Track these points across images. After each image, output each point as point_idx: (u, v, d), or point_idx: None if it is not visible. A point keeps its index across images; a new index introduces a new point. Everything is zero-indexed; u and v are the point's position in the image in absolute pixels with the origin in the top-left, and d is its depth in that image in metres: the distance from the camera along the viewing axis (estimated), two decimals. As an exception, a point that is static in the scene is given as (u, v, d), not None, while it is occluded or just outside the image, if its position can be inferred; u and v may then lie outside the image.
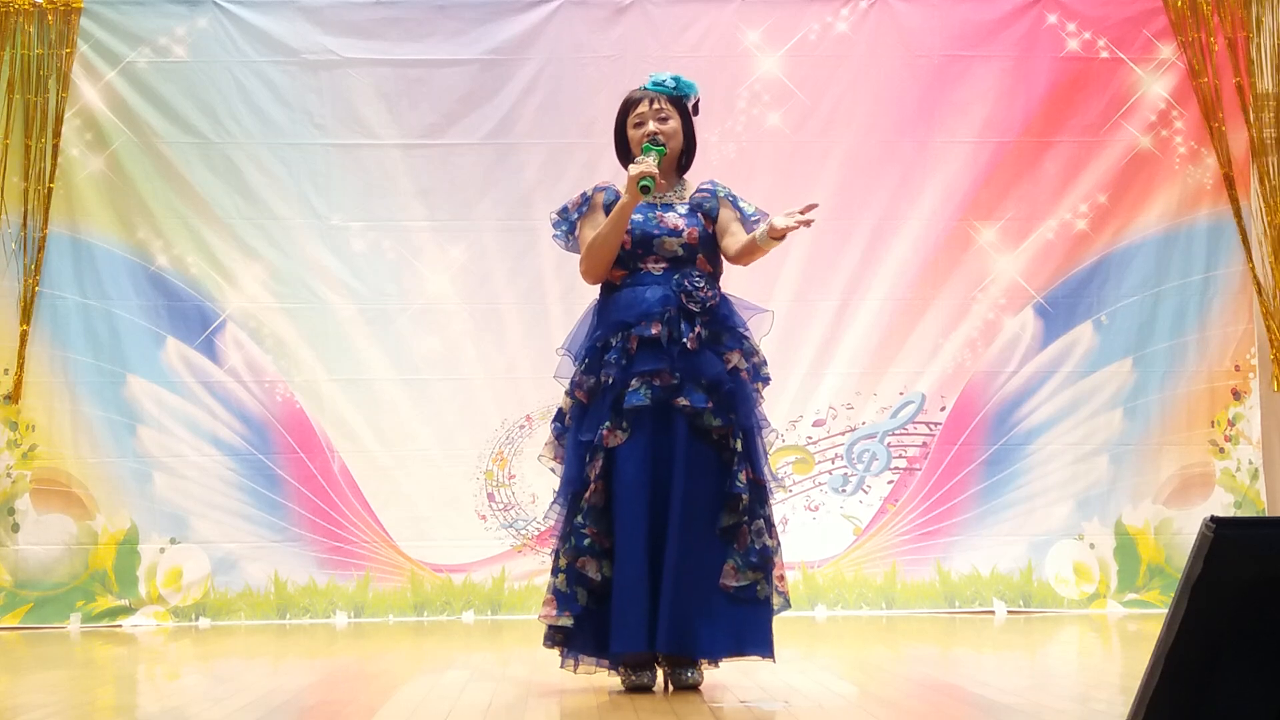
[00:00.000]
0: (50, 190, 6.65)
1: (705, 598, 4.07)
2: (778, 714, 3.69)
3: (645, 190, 4.09)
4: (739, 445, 4.14)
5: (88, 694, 4.52)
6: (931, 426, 6.84)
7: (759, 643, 4.13)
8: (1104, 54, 6.88)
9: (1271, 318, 6.76)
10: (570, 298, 6.70)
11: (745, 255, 4.26)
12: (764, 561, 4.13)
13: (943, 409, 6.84)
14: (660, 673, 4.19)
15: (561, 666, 4.21)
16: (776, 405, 6.80)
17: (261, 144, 6.77)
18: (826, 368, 6.83)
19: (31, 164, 6.65)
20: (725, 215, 4.31)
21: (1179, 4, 6.83)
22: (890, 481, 6.83)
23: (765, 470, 4.21)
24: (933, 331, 6.86)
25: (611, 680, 4.27)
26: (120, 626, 6.56)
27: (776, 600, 4.17)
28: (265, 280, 6.77)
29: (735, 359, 4.19)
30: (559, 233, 4.40)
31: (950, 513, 6.80)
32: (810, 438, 6.83)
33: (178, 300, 6.73)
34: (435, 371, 6.78)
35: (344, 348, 6.77)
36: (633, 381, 4.10)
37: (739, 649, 4.14)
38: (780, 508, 6.79)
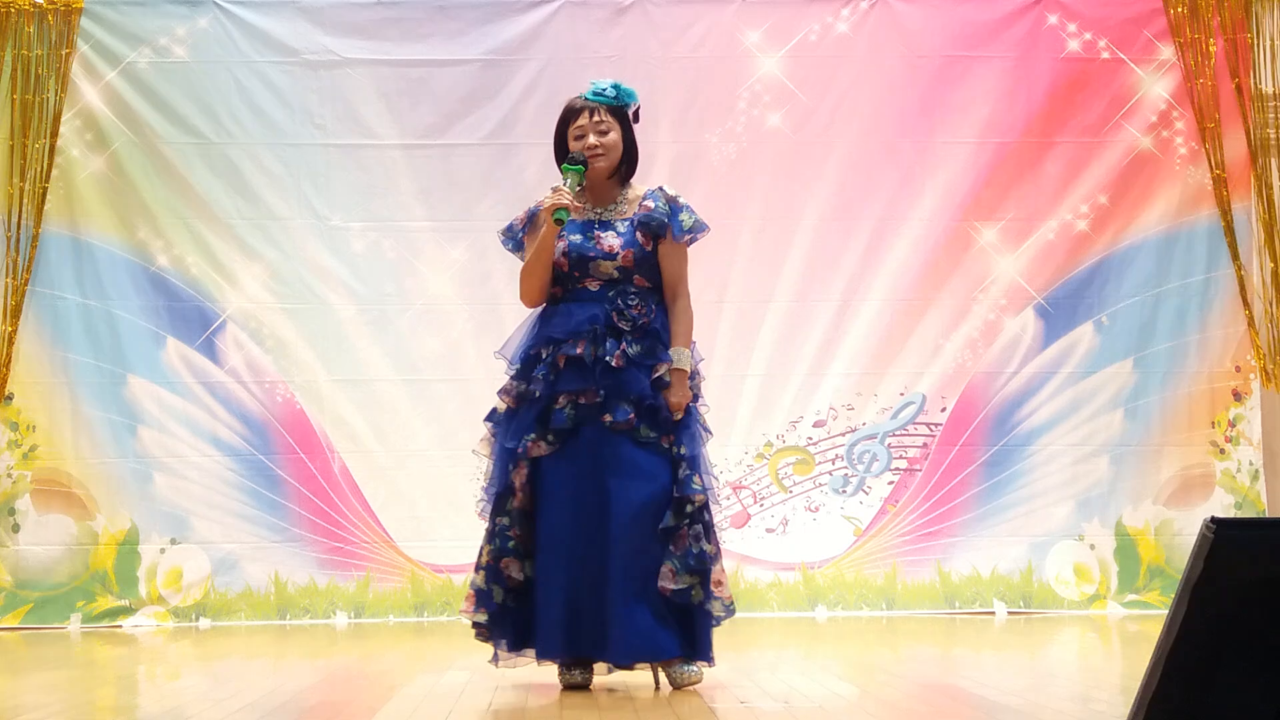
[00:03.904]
0: (45, 190, 6.65)
1: (651, 601, 4.09)
2: (778, 714, 3.69)
3: (559, 223, 4.14)
4: (685, 450, 4.17)
5: (88, 694, 4.52)
6: (932, 427, 6.84)
7: (702, 648, 4.15)
8: (1105, 55, 6.88)
9: (1255, 326, 6.76)
10: (570, 298, 6.70)
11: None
12: (701, 566, 4.14)
13: (943, 410, 6.84)
14: (658, 672, 4.20)
15: (491, 659, 4.27)
16: (777, 406, 6.81)
17: (261, 144, 6.77)
18: (827, 368, 6.83)
19: (29, 164, 6.65)
20: (665, 247, 4.27)
21: (1178, 6, 6.82)
22: (891, 482, 6.82)
23: (706, 478, 4.22)
24: (933, 332, 6.86)
25: (610, 680, 4.28)
26: (120, 627, 6.55)
27: (716, 607, 4.17)
28: (265, 280, 6.77)
29: (663, 370, 4.19)
30: (507, 248, 4.44)
31: (950, 514, 6.79)
32: (810, 438, 6.83)
33: (178, 300, 6.73)
34: (435, 371, 6.78)
35: (344, 348, 6.77)
36: (559, 399, 4.17)
37: (687, 652, 4.14)
38: (780, 508, 6.79)
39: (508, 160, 6.83)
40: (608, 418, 4.14)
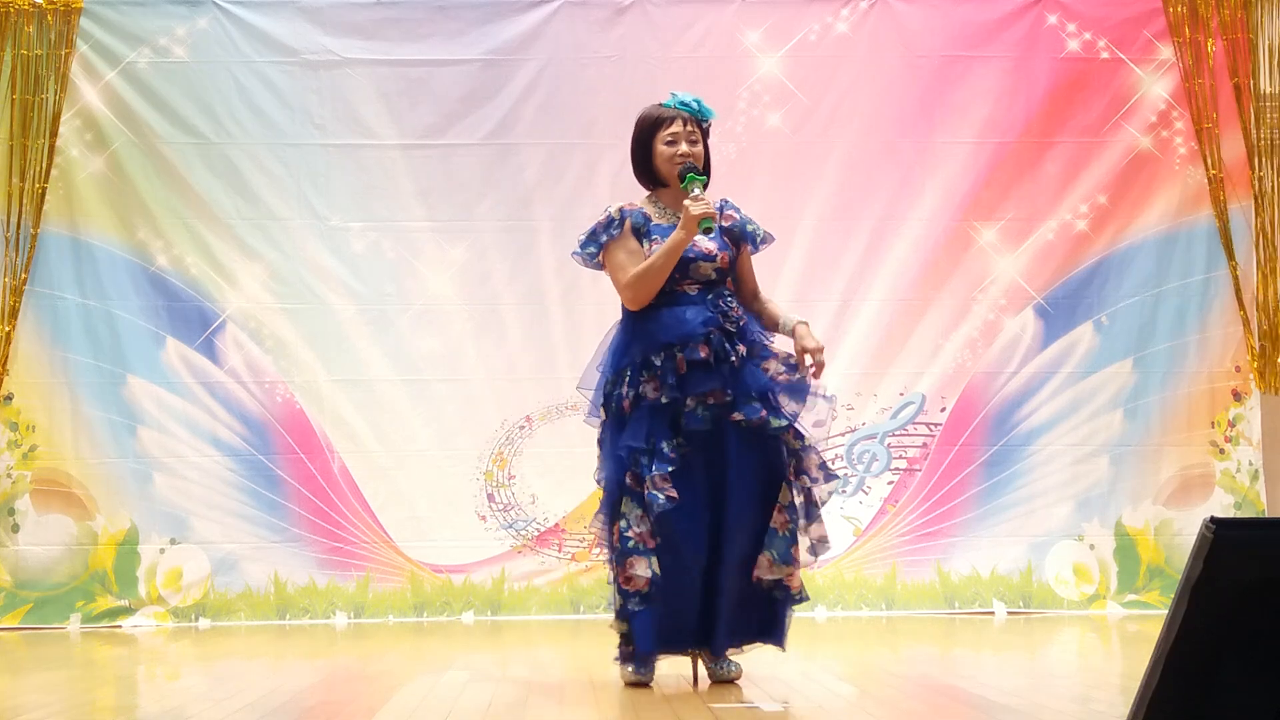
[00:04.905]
0: (44, 190, 6.65)
1: (743, 591, 4.21)
2: (778, 714, 3.69)
3: (707, 231, 4.22)
4: (799, 444, 4.27)
5: (88, 694, 4.53)
6: (931, 427, 6.84)
7: (778, 633, 4.30)
8: (1104, 55, 6.88)
9: (1249, 325, 6.76)
10: (570, 298, 6.70)
11: (758, 317, 4.42)
12: (793, 559, 4.26)
13: (943, 410, 6.84)
14: (696, 666, 4.28)
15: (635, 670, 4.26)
16: (776, 406, 6.81)
17: (261, 144, 6.77)
18: (826, 368, 6.79)
19: (28, 164, 6.65)
20: (744, 256, 4.44)
21: (1178, 6, 6.82)
22: (890, 482, 6.82)
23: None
24: (933, 332, 6.86)
25: (614, 677, 4.28)
26: (120, 627, 6.55)
27: (785, 595, 4.30)
28: (265, 280, 6.77)
29: (772, 366, 4.31)
30: (584, 252, 4.41)
31: (950, 514, 6.80)
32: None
33: (178, 300, 6.73)
34: (435, 372, 6.78)
35: (344, 348, 6.77)
36: (688, 402, 4.20)
37: (758, 637, 4.30)
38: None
39: (507, 160, 6.83)
40: (738, 416, 4.20)
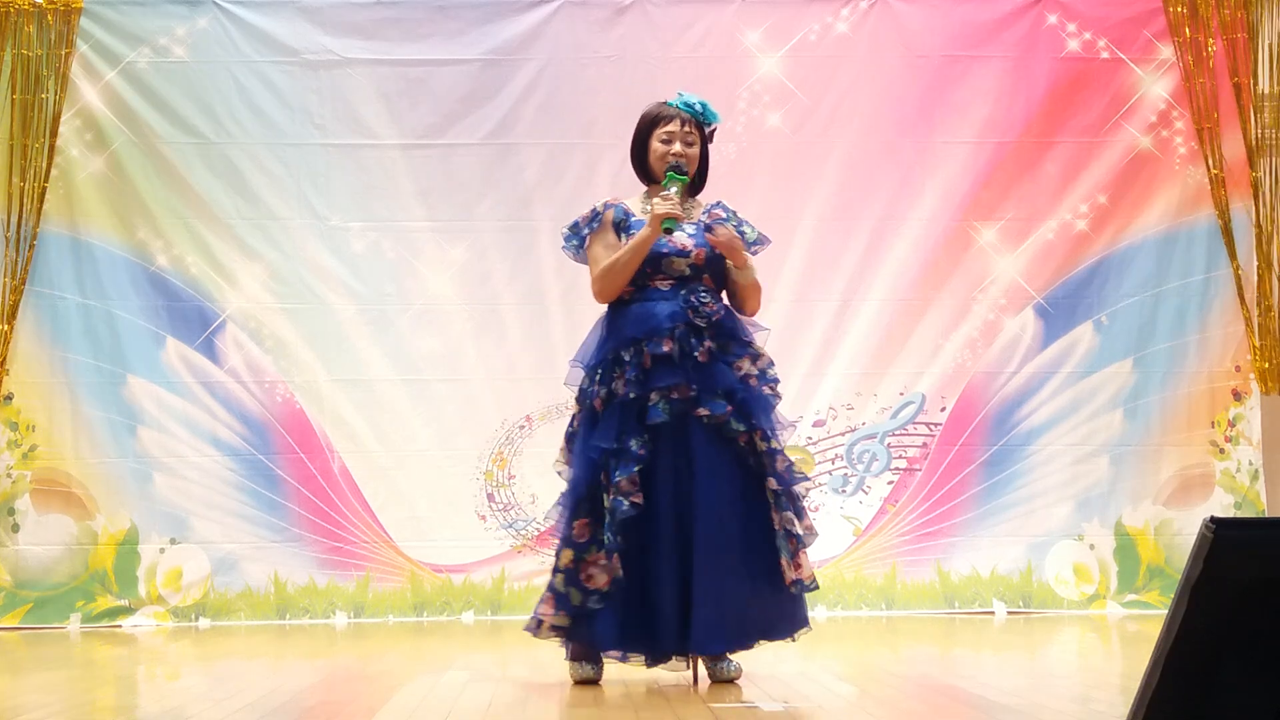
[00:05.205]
0: (44, 190, 6.65)
1: (736, 591, 4.17)
2: (778, 714, 3.69)
3: (668, 231, 4.22)
4: (765, 446, 4.23)
5: (88, 694, 4.53)
6: (931, 427, 6.84)
7: (799, 622, 4.30)
8: (1104, 54, 6.88)
9: (1251, 325, 6.76)
10: (570, 298, 6.70)
11: (739, 299, 4.41)
12: (798, 548, 4.24)
13: (943, 409, 6.84)
14: (696, 666, 4.27)
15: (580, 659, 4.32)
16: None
17: (261, 144, 6.77)
18: (827, 368, 6.83)
19: (28, 164, 6.65)
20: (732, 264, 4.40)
21: (1178, 5, 6.82)
22: (890, 482, 6.82)
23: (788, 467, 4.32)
24: (933, 332, 6.86)
25: (613, 676, 4.28)
26: (120, 627, 6.55)
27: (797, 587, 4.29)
28: (265, 280, 6.77)
29: (745, 365, 4.29)
30: (569, 245, 4.47)
31: (950, 513, 6.80)
32: (810, 438, 6.83)
33: (178, 300, 6.73)
34: (435, 372, 6.78)
35: (344, 348, 6.77)
36: (651, 396, 4.19)
37: (771, 634, 4.30)
38: (780, 508, 6.78)
39: (507, 160, 6.83)
40: (702, 411, 4.19)
